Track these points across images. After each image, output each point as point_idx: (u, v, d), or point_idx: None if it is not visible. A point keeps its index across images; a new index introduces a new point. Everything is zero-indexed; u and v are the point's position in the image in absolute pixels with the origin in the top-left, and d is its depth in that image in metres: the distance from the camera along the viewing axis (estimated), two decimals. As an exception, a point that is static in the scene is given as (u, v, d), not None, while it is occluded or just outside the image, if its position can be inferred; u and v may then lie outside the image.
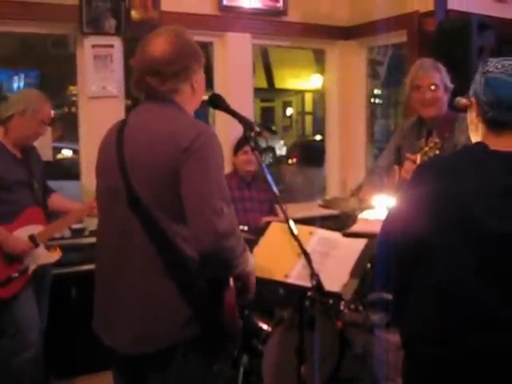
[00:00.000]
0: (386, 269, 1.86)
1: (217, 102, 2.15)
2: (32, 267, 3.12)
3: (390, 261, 1.83)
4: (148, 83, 1.94)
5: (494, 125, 1.70)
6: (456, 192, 1.65)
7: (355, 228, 2.54)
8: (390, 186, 3.06)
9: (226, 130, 4.32)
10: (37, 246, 3.13)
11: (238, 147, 4.02)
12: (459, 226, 1.63)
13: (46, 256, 3.22)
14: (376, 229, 2.22)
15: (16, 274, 3.05)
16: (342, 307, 3.44)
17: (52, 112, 3.25)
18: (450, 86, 3.12)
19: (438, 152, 2.88)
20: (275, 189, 2.14)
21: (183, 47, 1.97)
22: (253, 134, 2.10)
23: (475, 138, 1.80)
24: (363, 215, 2.67)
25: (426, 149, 2.92)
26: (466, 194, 1.64)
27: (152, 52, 1.94)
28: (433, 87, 3.09)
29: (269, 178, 2.11)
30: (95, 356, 2.91)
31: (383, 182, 3.24)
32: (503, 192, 1.62)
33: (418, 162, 2.94)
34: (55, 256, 3.29)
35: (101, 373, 3.57)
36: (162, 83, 1.93)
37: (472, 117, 1.79)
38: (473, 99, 1.76)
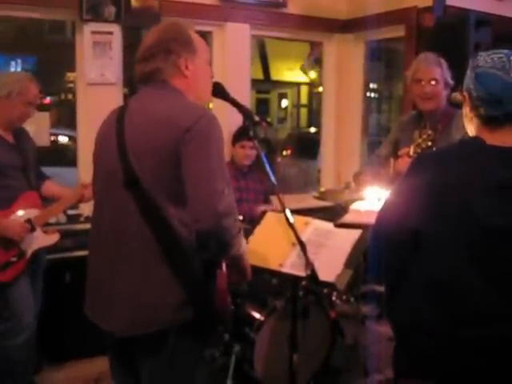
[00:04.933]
0: (379, 260, 1.87)
1: (217, 90, 2.15)
2: (30, 251, 3.13)
3: (383, 252, 1.84)
4: (137, 69, 2.00)
5: (487, 120, 1.71)
6: (452, 185, 1.66)
7: (346, 219, 2.55)
8: (385, 177, 3.09)
9: (224, 119, 4.31)
10: (34, 229, 3.13)
11: (236, 138, 4.02)
12: (455, 219, 1.63)
13: (43, 239, 3.22)
14: (367, 220, 2.23)
15: (14, 259, 3.06)
16: (333, 298, 3.48)
17: (38, 92, 3.18)
18: (451, 82, 3.14)
19: (430, 144, 2.92)
20: (273, 178, 2.16)
21: (168, 33, 1.98)
22: (252, 123, 2.11)
23: (471, 129, 1.81)
24: (355, 206, 2.68)
25: (419, 140, 2.96)
26: (463, 187, 1.64)
27: (142, 42, 2.00)
28: (433, 82, 3.12)
29: (267, 167, 2.13)
30: (88, 341, 2.94)
31: (381, 172, 3.27)
32: (499, 186, 1.62)
33: (412, 153, 2.97)
34: (53, 238, 3.28)
35: (93, 358, 3.60)
36: (145, 66, 1.97)
37: (466, 111, 1.79)
38: (465, 94, 1.77)
